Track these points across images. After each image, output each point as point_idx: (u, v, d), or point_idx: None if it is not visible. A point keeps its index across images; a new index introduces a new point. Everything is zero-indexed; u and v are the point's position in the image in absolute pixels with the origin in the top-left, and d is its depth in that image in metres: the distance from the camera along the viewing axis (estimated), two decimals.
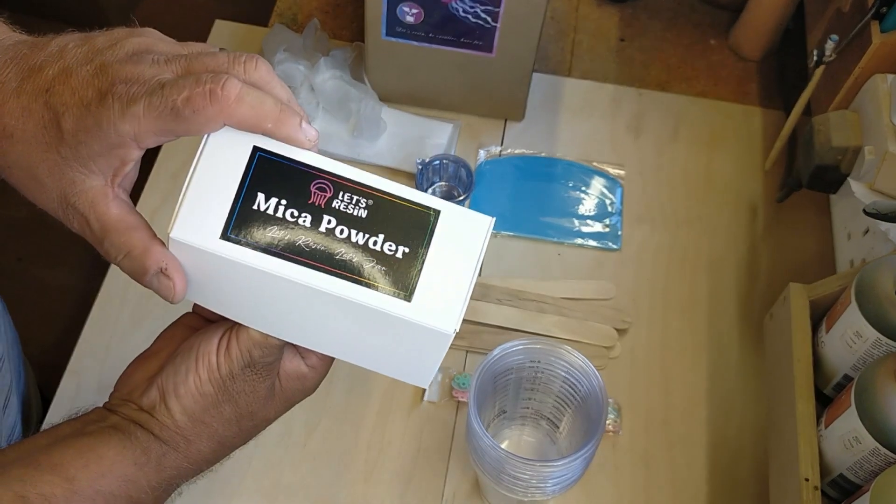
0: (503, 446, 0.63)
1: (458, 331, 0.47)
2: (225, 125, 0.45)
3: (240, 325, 0.50)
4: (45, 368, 1.01)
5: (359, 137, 0.94)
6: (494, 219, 0.50)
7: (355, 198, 0.47)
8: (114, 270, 0.86)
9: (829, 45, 0.79)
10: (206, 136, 0.45)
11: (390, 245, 0.47)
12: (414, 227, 0.47)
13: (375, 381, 0.81)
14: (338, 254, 0.46)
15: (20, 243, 1.12)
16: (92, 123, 0.44)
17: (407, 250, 0.47)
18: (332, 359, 0.54)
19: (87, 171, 0.45)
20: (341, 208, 0.47)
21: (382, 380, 0.81)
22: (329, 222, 0.46)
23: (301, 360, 0.53)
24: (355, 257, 0.46)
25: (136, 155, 0.46)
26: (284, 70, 0.93)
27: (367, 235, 0.47)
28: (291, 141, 0.46)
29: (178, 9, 1.27)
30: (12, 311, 0.81)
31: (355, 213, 0.47)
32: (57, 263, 1.11)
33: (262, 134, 0.46)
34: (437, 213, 0.48)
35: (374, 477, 0.76)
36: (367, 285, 0.46)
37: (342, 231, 0.46)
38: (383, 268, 0.47)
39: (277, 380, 0.53)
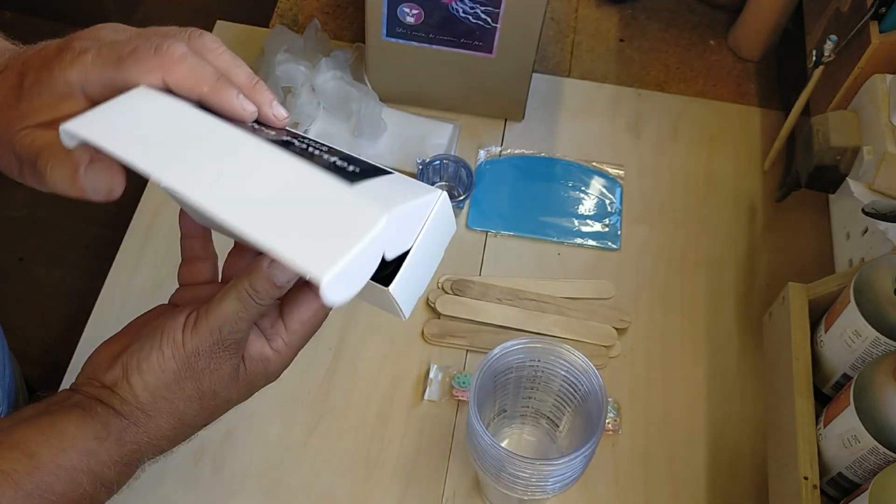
0: (503, 445, 0.63)
1: (388, 221, 0.43)
2: (165, 84, 0.47)
3: (210, 303, 0.50)
4: (45, 367, 1.01)
5: (359, 138, 0.94)
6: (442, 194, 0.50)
7: (312, 146, 0.49)
8: (114, 270, 0.86)
9: (828, 45, 0.79)
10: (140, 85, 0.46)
11: (345, 163, 0.47)
12: (372, 168, 0.48)
13: (376, 380, 0.81)
14: (290, 143, 0.47)
15: (21, 243, 1.12)
16: (46, 74, 0.47)
17: (359, 169, 0.47)
18: (298, 346, 0.55)
19: (31, 119, 0.47)
20: (297, 142, 0.48)
21: (382, 379, 0.81)
22: (282, 135, 0.48)
23: (266, 342, 0.54)
24: (309, 148, 0.47)
25: (80, 107, 0.47)
26: (285, 70, 0.93)
27: (320, 151, 0.48)
28: (227, 108, 0.48)
29: (179, 9, 1.27)
30: (13, 310, 0.81)
31: (311, 150, 0.48)
32: (57, 263, 1.11)
33: (199, 98, 0.48)
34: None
35: (374, 476, 0.76)
36: (313, 163, 0.46)
37: (294, 140, 0.48)
38: (333, 162, 0.47)
39: (242, 362, 0.53)
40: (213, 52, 0.50)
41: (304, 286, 0.55)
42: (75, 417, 0.50)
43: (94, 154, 0.46)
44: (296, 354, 0.56)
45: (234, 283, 0.51)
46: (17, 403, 0.82)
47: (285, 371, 0.75)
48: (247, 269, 0.51)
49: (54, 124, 0.46)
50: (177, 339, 0.51)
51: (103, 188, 0.48)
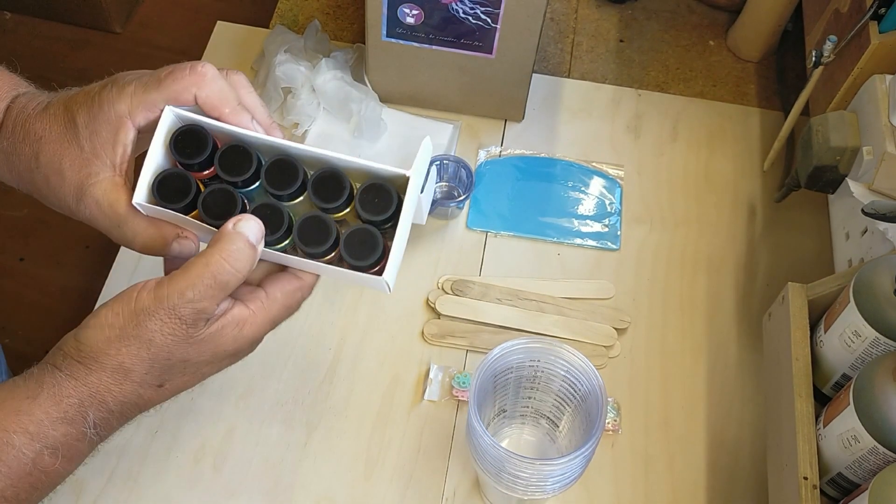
0: (503, 445, 0.63)
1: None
2: (196, 99, 0.53)
3: (177, 271, 0.50)
4: None
5: (359, 138, 0.94)
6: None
7: None
8: (115, 271, 0.86)
9: (828, 45, 0.79)
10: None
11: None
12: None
13: (375, 380, 0.81)
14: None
15: (21, 243, 1.12)
16: (97, 108, 0.53)
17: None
18: (275, 316, 0.54)
19: (100, 163, 0.53)
20: None
21: (382, 379, 0.81)
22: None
23: (243, 305, 0.53)
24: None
25: (133, 135, 0.54)
26: (285, 71, 0.93)
27: None
28: (242, 127, 0.55)
29: (180, 10, 1.27)
30: (13, 310, 0.81)
31: None
32: (58, 263, 1.11)
33: (219, 118, 0.54)
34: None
35: (374, 476, 0.77)
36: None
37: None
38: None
39: (212, 326, 0.52)
40: (243, 87, 0.56)
41: (283, 272, 0.55)
42: (8, 384, 0.50)
43: (181, 230, 0.55)
44: (271, 325, 0.54)
45: (201, 252, 0.51)
46: None
47: (285, 371, 0.75)
48: (213, 239, 0.51)
49: (122, 170, 0.54)
50: (129, 297, 0.51)
51: (189, 254, 0.55)
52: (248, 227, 0.51)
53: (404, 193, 0.54)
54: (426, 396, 0.80)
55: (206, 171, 0.55)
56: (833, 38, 0.79)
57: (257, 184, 0.55)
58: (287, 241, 0.55)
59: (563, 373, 0.67)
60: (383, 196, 0.54)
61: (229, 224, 0.51)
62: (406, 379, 0.81)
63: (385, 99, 0.96)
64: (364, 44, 0.92)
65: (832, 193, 0.81)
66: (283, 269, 0.57)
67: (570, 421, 0.71)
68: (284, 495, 0.75)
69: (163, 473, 0.75)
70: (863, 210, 0.72)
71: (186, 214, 0.54)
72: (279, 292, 0.54)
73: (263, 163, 0.55)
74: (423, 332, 0.83)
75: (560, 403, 0.71)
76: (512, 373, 0.68)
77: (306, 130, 0.95)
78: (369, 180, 0.54)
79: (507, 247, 0.90)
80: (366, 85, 0.95)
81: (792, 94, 0.99)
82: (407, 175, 0.53)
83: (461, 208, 0.90)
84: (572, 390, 0.68)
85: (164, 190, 0.53)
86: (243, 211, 0.54)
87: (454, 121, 0.97)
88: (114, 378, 0.51)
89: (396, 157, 0.94)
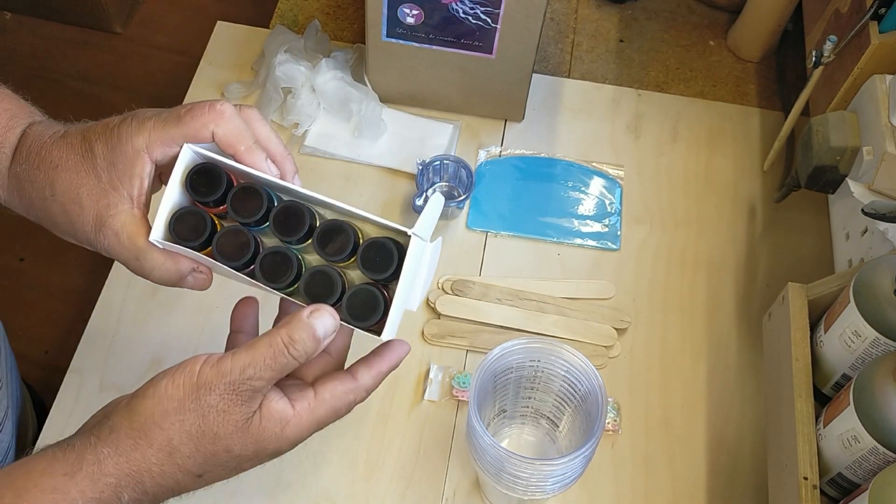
0: (503, 445, 0.63)
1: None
2: (213, 136, 0.54)
3: (241, 347, 0.50)
4: (46, 368, 1.01)
5: (360, 138, 0.94)
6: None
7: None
8: (115, 271, 0.86)
9: (828, 45, 0.79)
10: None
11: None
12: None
13: None
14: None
15: (22, 244, 1.12)
16: (115, 140, 0.54)
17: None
18: (321, 418, 0.54)
19: (118, 195, 0.54)
20: None
21: None
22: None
23: (289, 402, 0.52)
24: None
25: (149, 168, 0.54)
26: (285, 71, 0.93)
27: None
28: (256, 167, 0.55)
29: (180, 10, 1.27)
30: (13, 310, 0.81)
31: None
32: (58, 264, 1.11)
33: (233, 156, 0.55)
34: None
35: (374, 476, 0.77)
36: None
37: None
38: None
39: (259, 414, 0.51)
40: (256, 122, 0.57)
41: (340, 371, 0.55)
42: (47, 455, 0.49)
43: (196, 265, 0.56)
44: (315, 428, 0.54)
45: (268, 332, 0.51)
46: (25, 433, 0.82)
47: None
48: (283, 321, 0.51)
49: (139, 202, 0.55)
50: (192, 370, 0.50)
51: (202, 287, 0.57)
52: (321, 322, 0.51)
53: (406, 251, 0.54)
54: (426, 396, 0.80)
55: (221, 207, 0.57)
56: (833, 38, 0.79)
57: (267, 224, 0.57)
58: (293, 288, 0.56)
59: (563, 373, 0.67)
60: (384, 255, 0.54)
61: (305, 312, 0.51)
62: (406, 379, 0.81)
63: (385, 99, 0.96)
64: (364, 44, 0.92)
65: (832, 193, 0.81)
66: (340, 368, 0.57)
67: (570, 421, 0.71)
68: (284, 495, 0.75)
69: None
70: (863, 210, 0.72)
71: (202, 251, 0.56)
72: (328, 394, 0.53)
73: (275, 204, 0.56)
74: (423, 332, 0.83)
75: (560, 403, 0.71)
76: (512, 373, 0.68)
77: (306, 130, 0.95)
78: (370, 239, 0.55)
79: (508, 247, 0.90)
80: (366, 85, 0.95)
81: (792, 94, 0.99)
82: (408, 232, 0.54)
83: (461, 208, 0.90)
84: (572, 390, 0.68)
85: (181, 227, 0.55)
86: (256, 252, 0.55)
87: (454, 121, 0.97)
88: (158, 457, 0.49)
89: (396, 158, 0.94)
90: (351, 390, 0.55)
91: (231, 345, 0.57)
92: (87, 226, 0.54)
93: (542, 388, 0.70)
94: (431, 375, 0.81)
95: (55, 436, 0.77)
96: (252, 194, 0.55)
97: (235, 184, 0.56)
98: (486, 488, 0.74)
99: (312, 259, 0.57)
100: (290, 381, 0.55)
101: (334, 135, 0.95)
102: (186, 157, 0.55)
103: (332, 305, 0.53)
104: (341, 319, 0.53)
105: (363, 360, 0.56)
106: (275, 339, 0.50)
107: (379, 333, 0.54)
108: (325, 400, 0.53)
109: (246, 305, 0.58)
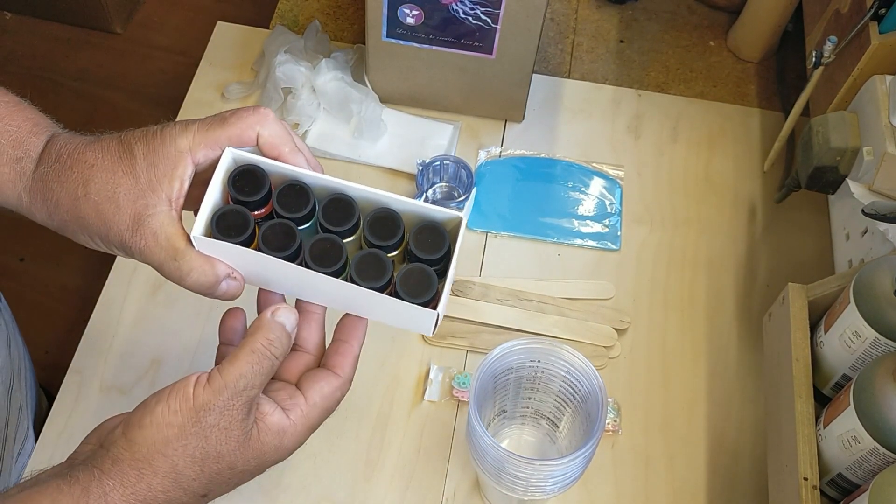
0: (503, 445, 0.63)
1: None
2: (258, 138, 0.55)
3: (223, 362, 0.51)
4: (47, 368, 1.01)
5: (360, 139, 0.94)
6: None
7: None
8: (115, 271, 0.86)
9: (828, 46, 0.79)
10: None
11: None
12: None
13: (376, 380, 0.81)
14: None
15: (22, 243, 1.12)
16: (158, 142, 0.54)
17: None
18: (314, 421, 0.55)
19: (156, 196, 0.54)
20: None
21: (383, 379, 0.81)
22: None
23: (283, 413, 0.53)
24: None
25: (191, 171, 0.55)
26: (285, 71, 0.93)
27: None
28: (300, 167, 0.56)
29: (180, 10, 1.27)
30: (14, 310, 0.81)
31: None
32: (59, 263, 1.11)
33: (277, 157, 0.56)
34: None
35: (374, 476, 0.77)
36: None
37: None
38: None
39: (256, 428, 0.52)
40: (291, 131, 0.58)
41: (322, 369, 0.56)
42: (51, 489, 0.48)
43: (232, 271, 0.56)
44: (310, 432, 0.55)
45: (243, 341, 0.52)
46: (39, 406, 0.82)
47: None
48: (253, 327, 0.52)
49: (177, 205, 0.55)
50: (186, 393, 0.50)
51: (233, 296, 0.57)
52: (286, 317, 0.53)
53: (456, 235, 0.56)
54: (426, 397, 0.80)
55: (261, 211, 0.57)
56: (833, 38, 0.79)
57: (310, 223, 0.57)
58: (343, 276, 0.57)
59: (563, 373, 0.67)
60: (436, 237, 0.56)
61: (267, 313, 0.53)
62: (406, 379, 0.81)
63: (385, 99, 0.96)
64: (364, 44, 0.92)
65: (832, 194, 0.81)
66: (318, 365, 0.57)
67: (570, 421, 0.71)
68: (285, 496, 0.75)
69: None
70: (863, 210, 0.72)
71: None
72: (318, 396, 0.54)
73: (317, 202, 0.57)
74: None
75: (560, 404, 0.71)
76: (512, 373, 0.68)
77: (306, 131, 0.95)
78: (422, 222, 0.57)
79: (508, 247, 0.90)
80: (366, 85, 0.95)
81: (792, 94, 0.99)
82: (460, 216, 0.56)
83: (461, 209, 0.90)
84: (572, 391, 0.68)
85: (223, 225, 0.55)
86: (301, 245, 0.56)
87: (454, 121, 0.97)
88: (163, 484, 0.49)
89: (397, 158, 0.94)
90: (338, 388, 0.56)
91: (220, 357, 0.58)
92: (123, 225, 0.54)
93: (543, 388, 0.70)
94: (431, 376, 0.81)
95: (56, 435, 0.77)
96: (298, 191, 0.56)
97: (273, 189, 0.57)
98: (486, 489, 0.74)
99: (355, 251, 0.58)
100: (277, 384, 0.55)
101: (334, 135, 0.95)
102: (227, 160, 0.56)
103: (384, 286, 0.55)
104: (394, 296, 0.55)
105: (335, 351, 0.57)
106: (255, 345, 0.51)
107: (435, 307, 0.55)
108: (315, 403, 0.54)
109: (233, 317, 0.58)
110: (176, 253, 0.54)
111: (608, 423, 0.79)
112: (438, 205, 0.86)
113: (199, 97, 0.98)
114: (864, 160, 0.74)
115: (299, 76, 0.94)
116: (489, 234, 0.90)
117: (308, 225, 0.57)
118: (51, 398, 0.84)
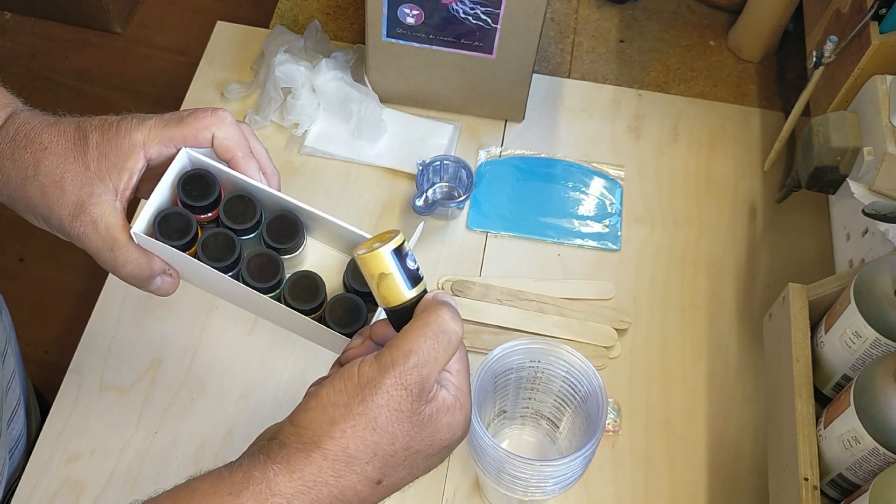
0: (503, 446, 0.63)
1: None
2: (214, 140, 0.56)
3: (394, 339, 0.48)
4: (47, 367, 1.01)
5: (360, 138, 0.94)
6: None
7: None
8: None
9: (829, 46, 0.79)
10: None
11: None
12: None
13: None
14: None
15: (21, 243, 1.12)
16: (113, 133, 0.55)
17: None
18: (468, 387, 0.51)
19: (103, 185, 0.55)
20: None
21: None
22: None
23: (445, 389, 0.49)
24: None
25: (142, 165, 0.55)
26: (285, 71, 0.93)
27: None
28: (248, 175, 0.57)
29: (180, 10, 1.27)
30: (14, 310, 0.81)
31: None
32: (58, 263, 1.11)
33: (230, 161, 0.56)
34: None
35: None
36: None
37: None
38: None
39: (430, 406, 0.48)
40: (251, 136, 0.59)
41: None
42: (212, 475, 0.46)
43: (168, 268, 0.57)
44: (470, 400, 0.51)
45: (412, 321, 0.48)
46: (30, 424, 0.82)
47: (286, 371, 0.75)
48: (419, 308, 0.49)
49: (123, 196, 0.55)
50: (351, 372, 0.47)
51: (167, 292, 0.58)
52: (450, 298, 0.50)
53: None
54: None
55: (207, 215, 0.58)
56: (834, 38, 0.79)
57: (253, 235, 0.58)
58: (277, 293, 0.57)
59: (563, 373, 0.67)
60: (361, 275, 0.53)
61: (429, 295, 0.49)
62: None
63: (385, 99, 0.96)
64: (364, 44, 0.92)
65: (833, 194, 0.81)
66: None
67: (570, 422, 0.71)
68: None
69: (163, 473, 0.75)
70: (863, 211, 0.72)
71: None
72: (456, 363, 0.50)
73: (264, 215, 0.58)
74: None
75: (560, 404, 0.71)
76: (512, 373, 0.68)
77: (306, 130, 0.95)
78: (341, 294, 0.57)
79: (508, 247, 0.90)
80: (366, 85, 0.95)
81: (792, 94, 0.99)
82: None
83: (461, 209, 0.90)
84: (573, 391, 0.68)
85: (165, 226, 0.56)
86: (240, 257, 0.56)
87: (454, 121, 0.97)
88: (334, 468, 0.46)
89: (396, 158, 0.94)
90: (466, 358, 0.52)
91: (345, 359, 0.53)
92: (65, 210, 0.55)
93: (543, 388, 0.70)
94: None
95: (55, 435, 0.77)
96: (246, 203, 0.57)
97: (223, 196, 0.58)
98: (486, 489, 0.74)
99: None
100: None
101: (334, 135, 0.95)
102: (181, 161, 0.56)
103: (315, 309, 0.55)
104: (321, 321, 0.56)
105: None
106: (430, 318, 0.47)
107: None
108: (458, 370, 0.51)
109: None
110: (114, 244, 0.55)
111: (608, 424, 0.79)
112: (439, 205, 0.87)
113: (199, 97, 0.98)
114: (864, 160, 0.74)
115: (299, 76, 0.94)
116: (489, 234, 0.90)
117: (252, 236, 0.58)
118: (44, 402, 0.84)
